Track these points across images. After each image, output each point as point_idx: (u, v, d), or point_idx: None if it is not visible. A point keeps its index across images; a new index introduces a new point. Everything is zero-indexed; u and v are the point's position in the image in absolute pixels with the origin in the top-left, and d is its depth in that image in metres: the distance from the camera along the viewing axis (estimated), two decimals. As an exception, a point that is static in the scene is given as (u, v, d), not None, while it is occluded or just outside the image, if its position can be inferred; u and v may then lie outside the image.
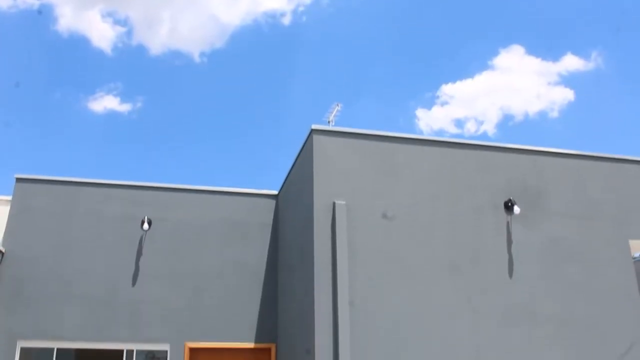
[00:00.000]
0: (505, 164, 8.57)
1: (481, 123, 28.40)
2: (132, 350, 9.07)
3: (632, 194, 9.04)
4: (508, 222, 8.22)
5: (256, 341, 9.38)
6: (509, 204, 8.18)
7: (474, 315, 7.66)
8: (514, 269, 8.04)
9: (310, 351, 7.09)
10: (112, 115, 25.66)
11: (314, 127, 7.92)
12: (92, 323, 9.05)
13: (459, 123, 28.12)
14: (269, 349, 9.43)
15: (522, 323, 7.81)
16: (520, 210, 8.11)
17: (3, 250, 9.10)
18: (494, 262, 8.00)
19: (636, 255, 9.13)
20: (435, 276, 7.70)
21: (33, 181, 9.68)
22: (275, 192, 10.17)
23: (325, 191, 7.61)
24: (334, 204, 7.53)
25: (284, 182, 9.66)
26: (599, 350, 7.97)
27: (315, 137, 7.84)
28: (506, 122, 28.01)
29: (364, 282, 7.39)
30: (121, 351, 9.06)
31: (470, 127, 27.58)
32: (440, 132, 26.68)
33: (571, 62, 27.88)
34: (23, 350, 8.86)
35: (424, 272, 7.68)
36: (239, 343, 9.31)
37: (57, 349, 8.94)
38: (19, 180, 9.64)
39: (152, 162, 26.05)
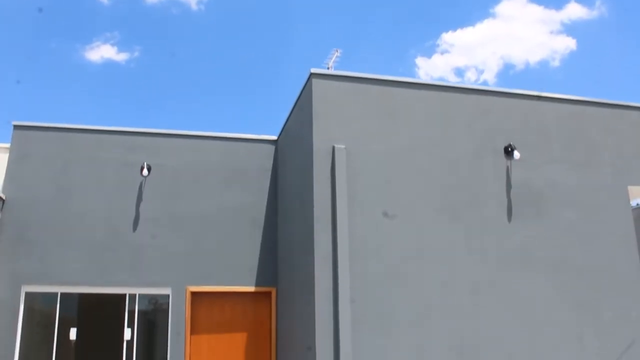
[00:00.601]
0: (505, 108, 8.52)
1: (481, 72, 28.21)
2: (135, 295, 9.21)
3: (633, 140, 9.03)
4: (508, 167, 8.22)
5: (256, 285, 9.51)
6: (509, 149, 8.17)
7: (471, 257, 7.75)
8: (512, 213, 8.08)
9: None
10: (109, 64, 25.42)
11: (313, 70, 7.83)
12: (94, 268, 9.15)
13: (459, 72, 27.92)
14: (269, 293, 9.57)
15: (518, 266, 7.91)
16: (520, 155, 8.11)
17: (4, 197, 9.13)
18: (492, 206, 8.04)
19: (634, 203, 9.16)
20: (433, 219, 7.75)
21: (31, 128, 9.63)
22: (274, 137, 10.12)
23: (324, 135, 7.58)
24: (333, 148, 7.52)
25: (283, 127, 9.62)
26: (593, 295, 8.11)
27: (314, 80, 7.76)
28: (507, 71, 27.80)
29: (363, 226, 7.44)
30: (124, 295, 9.19)
31: (471, 76, 27.39)
32: (440, 80, 26.40)
33: (574, 11, 27.50)
34: (28, 294, 8.99)
35: (422, 215, 7.72)
36: (239, 287, 9.44)
37: (61, 293, 9.06)
38: (16, 127, 9.60)
39: (151, 111, 25.96)
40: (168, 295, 9.25)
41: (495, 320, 7.64)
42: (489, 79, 27.64)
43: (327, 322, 7.08)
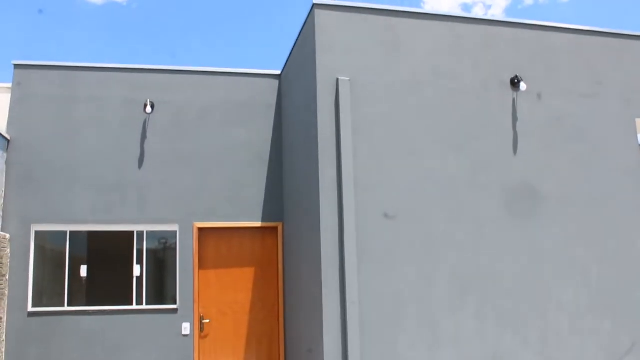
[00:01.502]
0: (511, 39, 8.36)
1: (489, 7, 27.64)
2: (142, 232, 9.31)
3: (642, 71, 8.88)
4: (514, 99, 8.14)
5: (263, 220, 9.59)
6: (516, 81, 8.07)
7: (476, 190, 7.76)
8: (518, 146, 8.05)
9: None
10: (111, 5, 24.96)
11: (315, 1, 7.66)
12: (101, 206, 9.23)
13: (466, 7, 27.37)
14: (275, 228, 9.66)
15: (523, 198, 7.92)
16: (527, 87, 8.02)
17: (8, 137, 9.13)
18: (497, 139, 8.00)
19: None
20: (438, 151, 7.73)
21: (32, 67, 9.53)
22: (278, 71, 9.99)
23: (328, 67, 7.48)
24: (337, 80, 7.43)
25: (287, 61, 9.48)
26: (598, 227, 8.14)
27: (317, 11, 7.60)
28: (515, 5, 27.21)
29: (368, 158, 7.43)
30: (132, 232, 9.29)
31: (478, 12, 26.84)
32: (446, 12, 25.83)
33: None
34: (38, 233, 9.11)
35: (426, 147, 7.70)
36: (246, 222, 9.53)
37: (70, 232, 9.17)
38: (17, 66, 9.50)
39: (154, 52, 25.64)
40: (175, 232, 9.35)
41: (499, 252, 7.72)
42: (497, 14, 27.06)
43: (332, 255, 7.17)
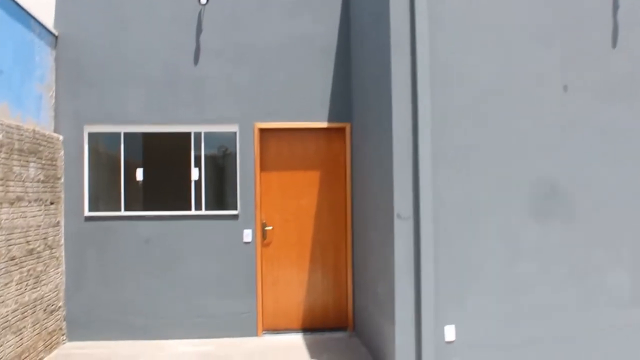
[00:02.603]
0: None
1: None
2: (200, 133, 8.73)
3: None
4: (615, -16, 6.99)
5: (329, 120, 8.85)
6: (620, -42, 6.90)
7: (568, 87, 6.77)
8: (618, 37, 6.95)
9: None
10: None
11: None
12: (156, 105, 8.66)
13: None
14: (343, 128, 8.92)
15: (620, 97, 6.89)
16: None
17: (57, 34, 8.56)
18: (594, 30, 6.90)
19: None
20: (524, 44, 6.71)
21: (77, -43, 8.81)
22: (346, -45, 8.98)
23: (405, -55, 6.48)
24: (415, -40, 6.45)
25: (357, -59, 8.47)
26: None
27: None
28: None
29: (446, 52, 6.50)
30: (188, 134, 8.73)
31: None
32: None
33: None
34: (91, 135, 8.67)
35: (512, 39, 6.68)
36: (311, 123, 8.82)
37: (124, 133, 8.69)
38: (62, -43, 8.80)
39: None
40: (235, 133, 8.74)
41: (590, 157, 6.80)
42: None
43: (405, 158, 6.42)
